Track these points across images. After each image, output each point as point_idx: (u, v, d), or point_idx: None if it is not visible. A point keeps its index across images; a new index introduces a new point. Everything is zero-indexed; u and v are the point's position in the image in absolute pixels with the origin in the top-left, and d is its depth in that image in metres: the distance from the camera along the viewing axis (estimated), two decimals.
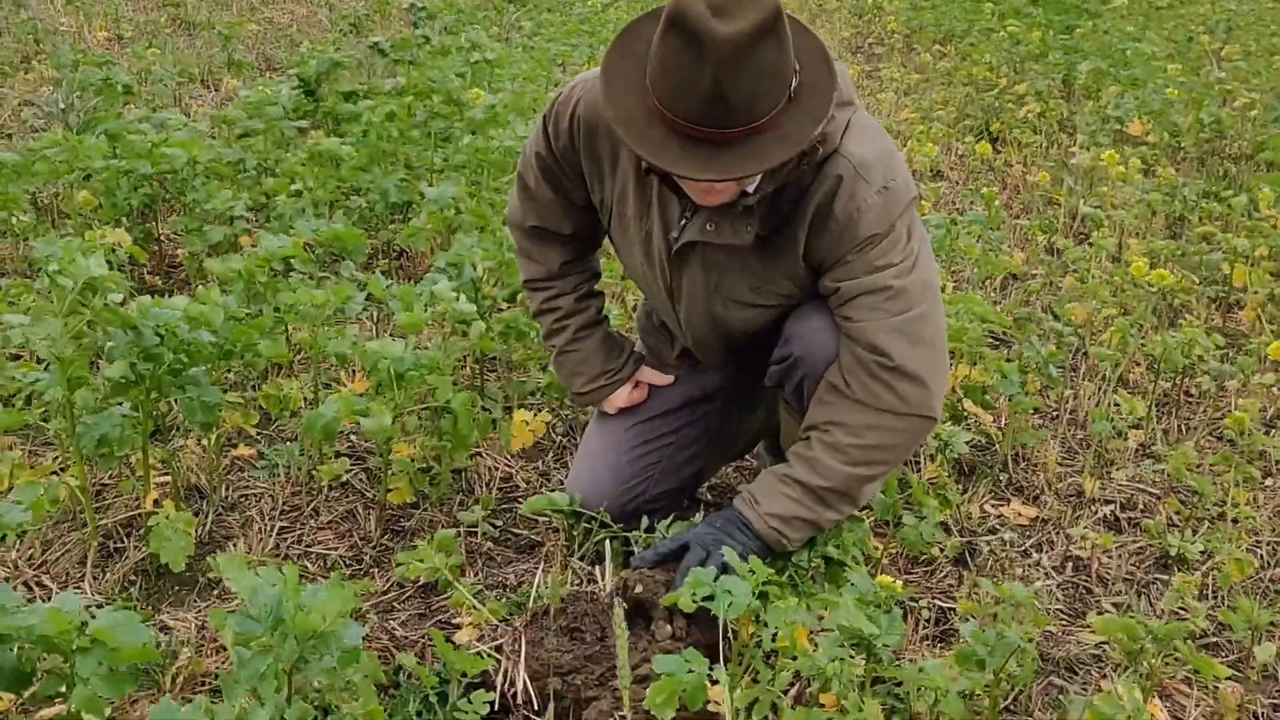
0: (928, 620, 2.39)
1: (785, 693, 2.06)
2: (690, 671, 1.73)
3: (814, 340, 2.20)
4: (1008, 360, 3.00)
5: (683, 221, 2.18)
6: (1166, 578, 2.60)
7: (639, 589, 2.12)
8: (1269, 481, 3.01)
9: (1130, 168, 4.92)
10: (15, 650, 1.64)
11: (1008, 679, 1.90)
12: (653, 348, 2.64)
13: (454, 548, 2.34)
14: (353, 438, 3.00)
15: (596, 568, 2.41)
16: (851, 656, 1.89)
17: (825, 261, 2.12)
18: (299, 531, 2.63)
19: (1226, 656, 2.34)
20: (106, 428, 2.31)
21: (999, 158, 5.81)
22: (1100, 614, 2.47)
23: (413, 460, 2.68)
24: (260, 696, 1.53)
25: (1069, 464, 3.10)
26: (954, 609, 2.43)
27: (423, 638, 2.26)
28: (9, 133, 5.55)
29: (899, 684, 2.06)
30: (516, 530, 2.69)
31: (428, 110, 4.65)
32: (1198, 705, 2.17)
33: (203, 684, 2.10)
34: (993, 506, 2.85)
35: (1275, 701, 2.22)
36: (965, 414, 3.06)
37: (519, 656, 2.04)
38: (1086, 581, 2.60)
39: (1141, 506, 2.91)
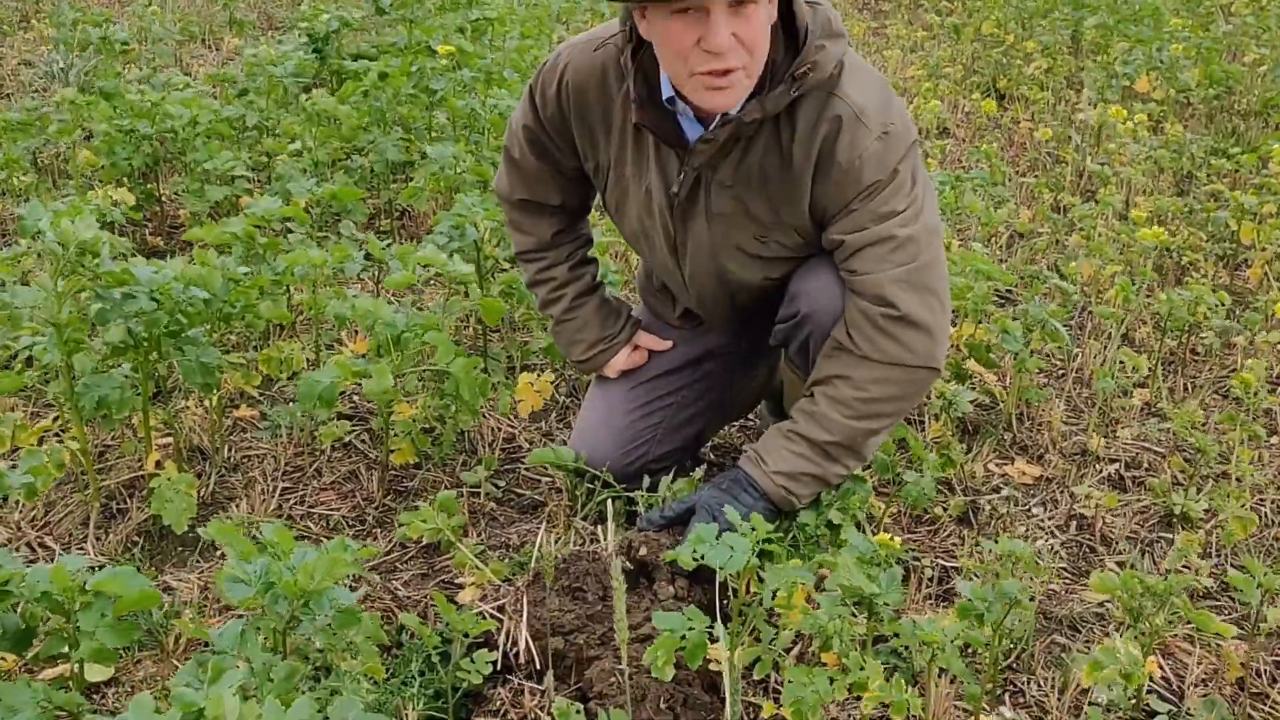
0: (931, 579, 2.38)
1: (788, 651, 2.06)
2: (691, 629, 1.73)
3: (821, 298, 2.20)
4: (1013, 319, 2.99)
5: (681, 175, 2.16)
6: (1171, 536, 2.60)
7: (643, 551, 2.12)
8: (1273, 440, 2.99)
9: (1137, 124, 4.87)
10: (18, 610, 1.65)
11: (1007, 635, 1.90)
12: (654, 308, 2.63)
13: (455, 509, 2.34)
14: (355, 398, 3.00)
15: (599, 527, 2.41)
16: (854, 615, 1.90)
17: (829, 210, 2.12)
18: (301, 492, 2.63)
19: (1229, 615, 2.34)
20: (106, 389, 2.31)
21: (1006, 115, 5.76)
22: (1104, 573, 2.46)
23: (415, 421, 2.68)
24: (248, 658, 1.54)
25: (1073, 422, 3.09)
26: (957, 568, 2.43)
27: (425, 598, 2.26)
28: (8, 92, 5.52)
29: (902, 644, 2.07)
30: (519, 490, 2.69)
31: (429, 71, 4.60)
32: (1200, 663, 2.17)
33: (205, 645, 2.11)
34: (997, 465, 2.84)
35: (1278, 658, 2.22)
36: (969, 373, 3.04)
37: (521, 616, 2.04)
38: (1090, 540, 2.59)
39: (1146, 465, 2.90)
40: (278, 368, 2.83)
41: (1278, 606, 2.17)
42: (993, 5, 7.67)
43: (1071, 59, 6.45)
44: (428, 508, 2.33)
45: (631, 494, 2.41)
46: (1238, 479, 2.74)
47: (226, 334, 3.06)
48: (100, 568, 1.72)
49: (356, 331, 3.19)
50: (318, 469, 2.71)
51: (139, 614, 2.04)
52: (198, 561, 2.38)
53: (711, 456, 2.82)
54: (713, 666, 1.85)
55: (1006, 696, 2.09)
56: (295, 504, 2.59)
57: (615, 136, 2.24)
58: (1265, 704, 2.10)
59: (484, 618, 2.02)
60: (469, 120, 4.27)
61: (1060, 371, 3.35)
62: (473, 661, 1.92)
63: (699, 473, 2.39)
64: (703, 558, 1.75)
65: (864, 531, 2.47)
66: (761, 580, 1.82)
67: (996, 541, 2.11)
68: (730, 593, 1.86)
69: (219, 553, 2.39)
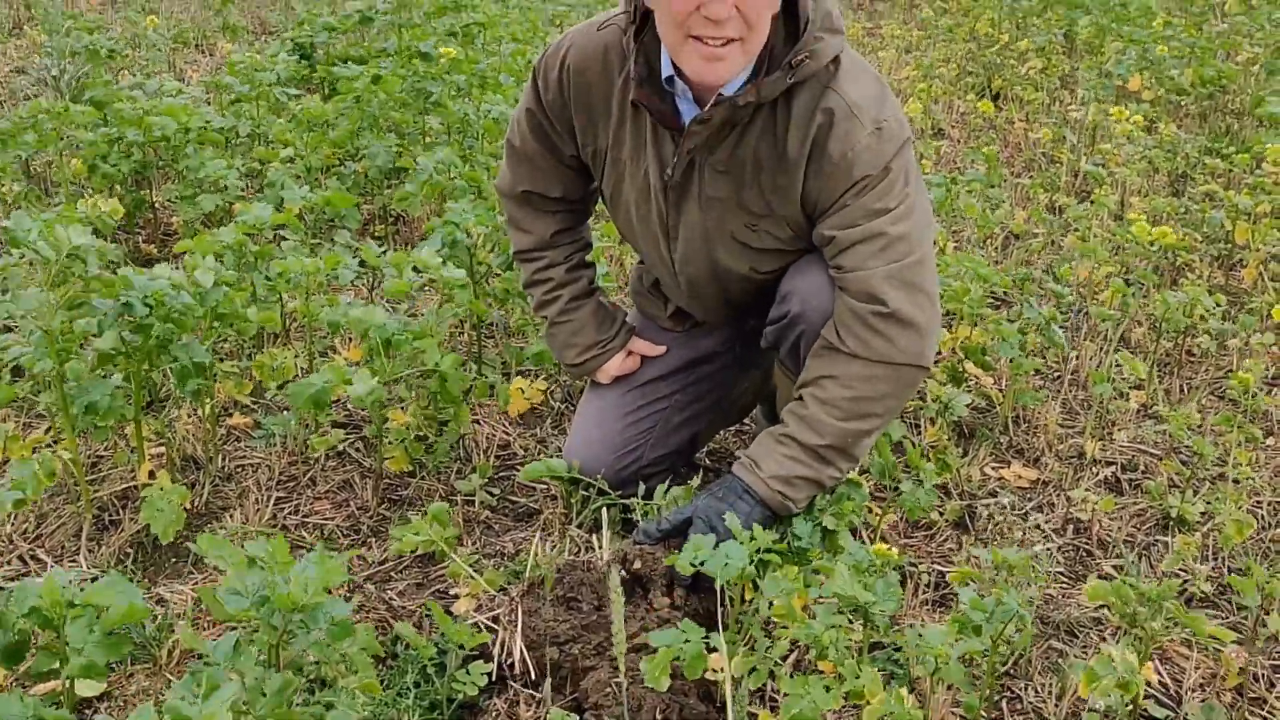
0: (927, 585, 2.38)
1: (784, 660, 2.05)
2: (687, 641, 1.72)
3: (813, 298, 2.20)
4: (1008, 321, 2.98)
5: (675, 158, 2.17)
6: (1168, 539, 2.59)
7: (637, 565, 2.11)
8: (1270, 441, 2.99)
9: (1132, 124, 4.86)
10: (12, 625, 1.64)
11: (1006, 644, 1.89)
12: (646, 310, 2.62)
13: (447, 521, 2.33)
14: (348, 407, 2.98)
15: (594, 536, 2.40)
16: (850, 623, 1.89)
17: (821, 204, 2.12)
18: (296, 501, 2.62)
19: (1227, 618, 2.33)
20: (96, 395, 2.30)
21: (1000, 115, 5.75)
22: (1101, 577, 2.46)
23: (408, 428, 2.67)
24: (240, 672, 1.53)
25: (1070, 425, 3.08)
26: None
27: (420, 607, 2.25)
28: (0, 100, 5.50)
29: (898, 649, 2.06)
30: (514, 498, 2.67)
31: (422, 75, 4.58)
32: (1198, 668, 2.17)
33: (198, 657, 2.09)
34: (993, 469, 2.84)
35: (1276, 663, 2.22)
36: (965, 375, 3.04)
37: (516, 627, 2.03)
38: (1087, 544, 2.58)
39: (1143, 468, 2.90)
40: (270, 375, 2.82)
41: (1274, 616, 2.16)
42: (986, 5, 7.67)
43: (1066, 59, 6.45)
44: (419, 520, 2.31)
45: (627, 501, 2.40)
46: (1235, 481, 2.73)
47: (219, 341, 3.05)
48: (93, 580, 1.71)
49: (350, 338, 3.18)
50: (312, 478, 2.69)
51: (130, 627, 2.02)
52: (191, 573, 2.36)
53: (707, 461, 2.81)
54: (709, 675, 1.84)
55: (1004, 704, 2.08)
56: (290, 513, 2.58)
57: (614, 119, 2.25)
58: (1263, 709, 2.09)
59: (479, 629, 2.01)
60: (462, 125, 4.26)
61: (1056, 374, 3.34)
62: (468, 673, 1.91)
63: (697, 480, 2.38)
64: (702, 564, 1.75)
65: (861, 539, 2.46)
66: (758, 589, 1.81)
67: (991, 551, 2.10)
68: (727, 602, 1.86)
69: (212, 564, 2.37)
